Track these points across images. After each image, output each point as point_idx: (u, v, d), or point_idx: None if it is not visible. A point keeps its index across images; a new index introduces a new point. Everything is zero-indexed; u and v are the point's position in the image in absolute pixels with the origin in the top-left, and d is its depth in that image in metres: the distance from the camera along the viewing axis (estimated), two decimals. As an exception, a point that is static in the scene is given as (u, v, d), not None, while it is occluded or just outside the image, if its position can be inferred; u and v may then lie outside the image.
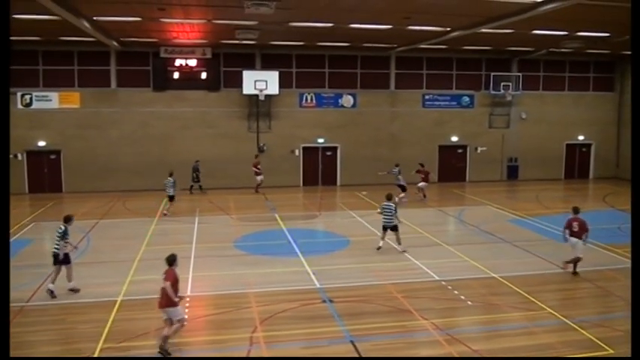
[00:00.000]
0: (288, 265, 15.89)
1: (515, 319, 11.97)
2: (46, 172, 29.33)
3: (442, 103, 32.68)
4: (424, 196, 26.55)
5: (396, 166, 26.71)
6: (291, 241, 18.69)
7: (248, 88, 29.37)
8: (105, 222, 21.87)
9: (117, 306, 12.72)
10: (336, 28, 23.51)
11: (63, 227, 13.72)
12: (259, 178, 28.44)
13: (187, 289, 13.94)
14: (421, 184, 26.52)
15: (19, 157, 28.96)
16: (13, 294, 13.37)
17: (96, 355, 10.18)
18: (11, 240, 19.02)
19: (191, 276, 14.93)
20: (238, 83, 29.54)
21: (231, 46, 28.70)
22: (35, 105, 29.02)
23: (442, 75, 32.61)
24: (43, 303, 13.08)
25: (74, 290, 13.71)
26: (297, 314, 12.24)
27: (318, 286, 14.04)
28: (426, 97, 32.50)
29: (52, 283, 13.55)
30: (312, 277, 14.75)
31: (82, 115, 29.29)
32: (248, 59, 30.25)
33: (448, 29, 23.85)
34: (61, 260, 13.65)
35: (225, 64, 30.26)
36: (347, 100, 31.57)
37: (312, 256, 16.74)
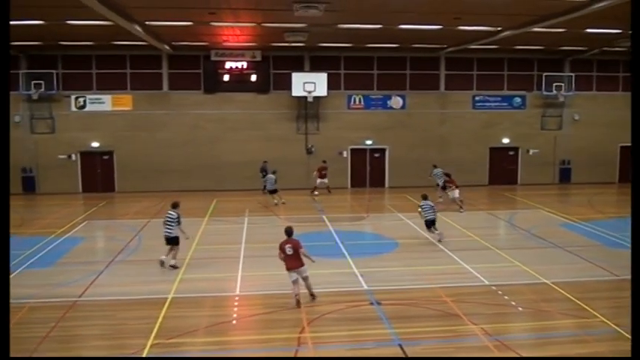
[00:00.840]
0: (335, 267, 15.88)
1: (567, 327, 11.64)
2: (99, 173, 30.17)
3: (493, 104, 32.14)
4: (460, 207, 24.42)
5: (434, 167, 26.64)
6: (339, 242, 18.69)
7: (297, 90, 29.54)
8: (156, 221, 22.15)
9: (167, 303, 12.94)
10: (384, 29, 23.42)
11: (175, 213, 15.72)
12: (320, 181, 28.50)
13: (236, 288, 14.13)
14: (455, 193, 24.53)
15: (73, 157, 29.94)
16: (65, 289, 13.99)
17: (145, 351, 10.40)
18: (64, 237, 19.77)
19: (240, 275, 15.12)
20: (287, 85, 29.74)
21: (281, 48, 28.93)
22: (89, 107, 29.90)
23: (493, 75, 32.07)
24: (94, 299, 13.46)
25: (174, 267, 15.55)
26: (345, 316, 12.21)
27: (365, 288, 13.99)
28: (477, 98, 32.03)
29: (165, 256, 15.72)
30: (360, 278, 14.71)
31: (134, 117, 30.04)
32: (297, 61, 30.43)
33: (499, 29, 23.45)
34: (172, 241, 15.69)
35: (274, 67, 30.52)
36: (396, 101, 31.39)
37: (359, 257, 16.69)
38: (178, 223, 15.62)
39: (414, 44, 28.51)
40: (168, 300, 13.17)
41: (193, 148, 30.22)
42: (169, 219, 15.72)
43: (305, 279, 12.94)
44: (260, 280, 14.87)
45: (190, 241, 18.64)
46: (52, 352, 10.63)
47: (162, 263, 15.57)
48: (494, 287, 13.95)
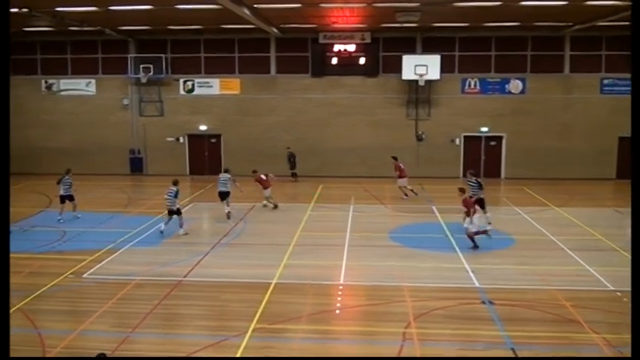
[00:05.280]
0: (444, 261, 15.65)
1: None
2: (207, 156, 31.43)
3: (622, 88, 30.10)
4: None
5: (472, 174, 20.26)
6: (449, 235, 18.36)
7: (407, 74, 29.19)
8: (261, 206, 22.96)
9: (271, 288, 13.34)
10: (504, 6, 22.57)
11: (175, 189, 18.39)
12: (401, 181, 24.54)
13: (340, 277, 14.29)
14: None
15: (181, 140, 31.44)
16: (171, 269, 14.82)
17: (248, 335, 10.78)
18: (172, 218, 20.74)
19: (344, 264, 15.28)
20: (397, 68, 29.46)
21: (391, 29, 28.68)
22: (197, 91, 31.27)
23: (623, 56, 29.96)
24: (198, 279, 14.15)
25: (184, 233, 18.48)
26: (454, 313, 12.02)
27: (477, 285, 13.68)
28: (605, 81, 30.18)
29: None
30: (471, 275, 14.40)
31: (241, 101, 31.02)
32: (408, 43, 30.05)
33: (630, 3, 21.95)
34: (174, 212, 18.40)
35: (384, 49, 30.32)
36: (515, 85, 30.27)
37: (471, 252, 16.34)
38: (176, 197, 18.40)
39: (536, 22, 27.26)
40: (272, 285, 13.56)
41: (300, 132, 30.76)
42: (169, 195, 18.33)
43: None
44: (365, 270, 14.94)
45: (295, 227, 19.21)
46: (155, 328, 11.35)
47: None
48: (618, 293, 13.16)
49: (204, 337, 10.90)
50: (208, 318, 12.06)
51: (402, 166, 24.48)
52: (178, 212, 18.40)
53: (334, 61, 30.22)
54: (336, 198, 24.53)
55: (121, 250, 16.68)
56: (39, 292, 13.29)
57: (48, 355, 10.12)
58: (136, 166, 31.65)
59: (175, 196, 18.33)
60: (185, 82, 31.26)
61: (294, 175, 29.40)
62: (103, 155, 31.59)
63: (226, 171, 21.73)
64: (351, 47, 30.04)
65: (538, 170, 29.71)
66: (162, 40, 30.94)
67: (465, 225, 16.80)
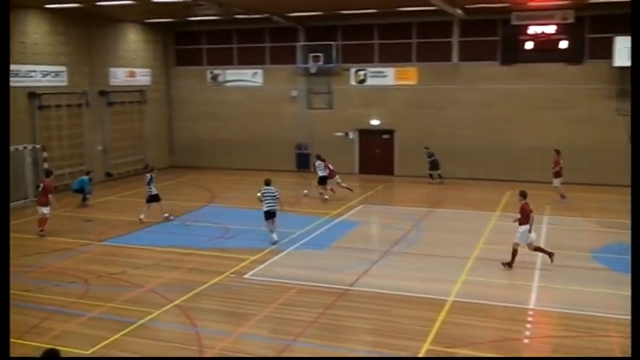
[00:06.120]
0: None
1: None
2: (378, 153, 31.54)
3: None
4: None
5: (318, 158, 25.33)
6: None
7: (621, 59, 27.04)
8: (438, 211, 22.65)
9: (447, 306, 13.01)
10: None
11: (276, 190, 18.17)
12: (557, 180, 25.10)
13: (530, 300, 13.58)
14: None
15: (351, 135, 31.89)
16: (337, 276, 15.02)
17: (420, 356, 10.56)
18: (338, 220, 21.34)
19: (536, 286, 14.53)
20: (607, 53, 27.46)
21: (601, 6, 26.76)
22: (369, 82, 31.53)
23: None
24: (366, 290, 14.22)
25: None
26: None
27: None
28: None
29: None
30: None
31: (418, 93, 30.75)
32: (622, 22, 27.72)
33: None
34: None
35: (590, 29, 28.44)
36: None
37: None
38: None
39: None
40: (449, 302, 13.23)
41: (485, 129, 29.84)
42: (276, 194, 18.03)
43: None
44: (561, 294, 14.01)
45: (476, 238, 18.66)
46: (317, 339, 11.53)
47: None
48: None
49: (370, 353, 10.93)
50: (376, 333, 12.00)
51: (562, 163, 24.80)
52: (274, 215, 18.18)
53: (528, 45, 28.87)
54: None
55: (285, 252, 17.26)
56: (198, 289, 14.11)
57: (205, 355, 10.64)
58: (303, 162, 32.59)
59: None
60: (356, 71, 31.66)
61: (439, 176, 28.77)
62: (269, 150, 32.95)
63: (319, 157, 24.72)
64: (550, 29, 28.56)
65: None
66: (333, 26, 31.58)
67: (516, 240, 15.68)
